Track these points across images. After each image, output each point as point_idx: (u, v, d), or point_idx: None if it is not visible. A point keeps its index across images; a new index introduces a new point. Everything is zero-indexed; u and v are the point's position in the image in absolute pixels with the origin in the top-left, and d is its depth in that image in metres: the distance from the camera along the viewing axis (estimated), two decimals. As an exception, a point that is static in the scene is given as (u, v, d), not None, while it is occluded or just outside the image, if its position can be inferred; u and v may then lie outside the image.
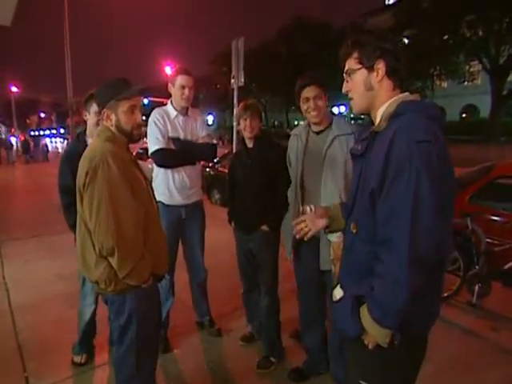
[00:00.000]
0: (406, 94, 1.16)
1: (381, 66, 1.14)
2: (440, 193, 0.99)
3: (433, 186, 0.97)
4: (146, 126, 2.45)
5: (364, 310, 1.10)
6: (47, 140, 34.66)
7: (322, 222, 1.42)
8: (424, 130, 1.02)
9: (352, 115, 34.05)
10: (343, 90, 1.24)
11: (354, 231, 1.18)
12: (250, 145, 2.31)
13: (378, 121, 1.16)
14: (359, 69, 1.17)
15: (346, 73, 1.22)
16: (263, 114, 2.38)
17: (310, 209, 1.46)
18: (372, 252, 1.09)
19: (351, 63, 1.19)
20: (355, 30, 1.24)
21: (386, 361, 1.14)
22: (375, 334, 1.08)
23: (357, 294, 1.13)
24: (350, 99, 1.24)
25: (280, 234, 2.32)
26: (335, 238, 1.67)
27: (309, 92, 1.91)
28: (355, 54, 1.18)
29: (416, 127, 1.03)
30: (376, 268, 1.06)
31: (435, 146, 1.00)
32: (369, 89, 1.17)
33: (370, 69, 1.16)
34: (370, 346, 1.12)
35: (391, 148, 1.02)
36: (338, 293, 1.23)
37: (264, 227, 2.25)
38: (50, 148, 24.80)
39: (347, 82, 1.23)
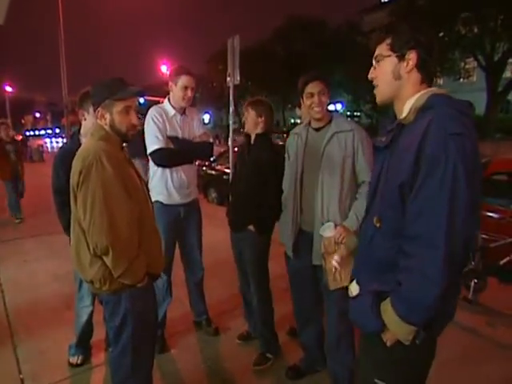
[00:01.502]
0: (435, 88, 1.13)
1: (412, 57, 1.11)
2: (474, 189, 0.96)
3: (468, 180, 0.95)
4: (142, 124, 2.44)
5: (385, 306, 1.08)
6: (47, 140, 34.35)
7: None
8: (458, 123, 0.99)
9: (348, 112, 34.17)
10: (369, 76, 1.20)
11: (378, 225, 1.14)
12: (252, 141, 2.31)
13: (405, 113, 1.12)
14: (389, 56, 1.14)
15: (374, 58, 1.18)
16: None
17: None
18: (395, 247, 1.06)
19: (382, 49, 1.15)
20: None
21: (405, 360, 1.12)
22: (397, 330, 1.06)
23: (377, 290, 1.11)
24: (375, 87, 1.20)
25: (270, 234, 2.32)
26: (327, 233, 1.67)
27: (313, 87, 1.91)
28: (388, 40, 1.14)
29: (450, 120, 1.00)
30: (403, 263, 1.03)
31: (469, 140, 0.97)
32: (396, 78, 1.13)
33: (401, 58, 1.12)
34: (389, 343, 1.10)
35: (424, 140, 0.99)
36: (354, 288, 1.21)
37: (250, 227, 2.25)
38: (50, 148, 24.63)
39: (374, 68, 1.19)
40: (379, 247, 1.14)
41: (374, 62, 1.19)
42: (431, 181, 0.97)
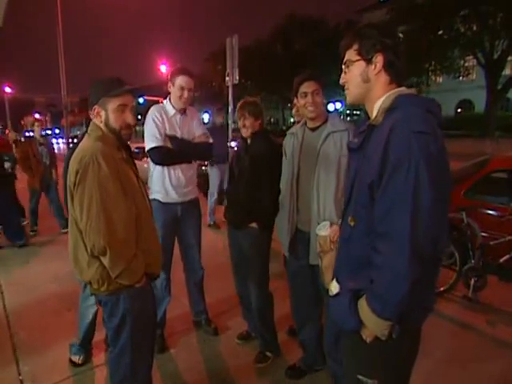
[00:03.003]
0: (403, 88, 1.16)
1: (379, 60, 1.15)
2: (438, 186, 0.99)
3: (431, 178, 0.97)
4: (142, 124, 2.44)
5: (362, 303, 1.10)
6: (54, 141, 34.48)
7: None
8: (422, 121, 1.02)
9: (348, 111, 34.16)
10: (340, 81, 1.25)
11: (352, 224, 1.17)
12: (249, 141, 2.32)
13: (374, 114, 1.16)
14: (358, 60, 1.18)
15: (344, 64, 1.22)
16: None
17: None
18: (369, 245, 1.09)
19: (350, 54, 1.20)
20: (358, 25, 1.24)
21: (384, 354, 1.14)
22: (373, 326, 1.08)
23: (354, 288, 1.13)
24: (346, 90, 1.24)
25: (271, 232, 2.31)
26: (322, 231, 1.68)
27: (307, 87, 1.92)
28: (355, 46, 1.18)
29: (414, 119, 1.03)
30: (374, 260, 1.06)
31: (433, 139, 1.00)
32: (365, 81, 1.18)
33: (369, 61, 1.16)
34: (368, 340, 1.12)
35: (389, 140, 1.02)
36: (334, 287, 1.23)
37: (253, 225, 2.25)
38: (57, 150, 24.92)
39: (345, 73, 1.23)
40: (354, 246, 1.17)
41: (343, 67, 1.23)
42: (395, 179, 1.01)
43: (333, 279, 1.26)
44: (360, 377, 1.17)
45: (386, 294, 1.03)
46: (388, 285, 1.02)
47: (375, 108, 1.17)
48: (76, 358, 2.37)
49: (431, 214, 0.98)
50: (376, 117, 1.14)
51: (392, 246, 1.01)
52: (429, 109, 1.08)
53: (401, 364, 1.18)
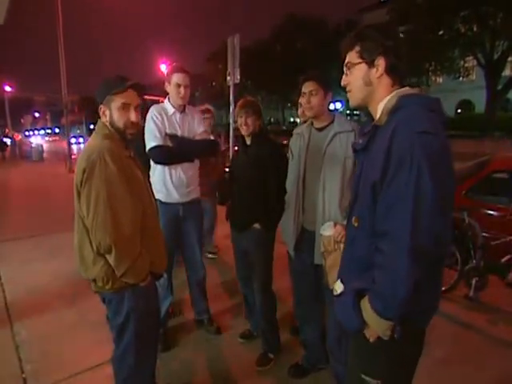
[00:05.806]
0: (406, 88, 1.15)
1: (381, 63, 1.13)
2: (441, 186, 0.98)
3: (433, 178, 0.97)
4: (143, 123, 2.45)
5: (365, 303, 1.10)
6: (73, 140, 34.55)
7: None
8: (425, 121, 1.02)
9: (348, 111, 34.18)
10: (342, 83, 1.23)
11: (356, 225, 1.17)
12: (248, 142, 2.32)
13: (378, 115, 1.16)
14: (359, 63, 1.17)
15: (345, 65, 1.21)
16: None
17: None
18: (372, 245, 1.09)
19: (352, 56, 1.19)
20: (360, 26, 1.23)
21: (388, 355, 1.14)
22: (376, 326, 1.08)
23: (358, 288, 1.13)
24: (348, 92, 1.23)
25: (275, 232, 2.31)
26: (326, 231, 1.69)
27: (306, 87, 1.95)
28: (357, 48, 1.17)
29: (416, 119, 1.03)
30: (376, 260, 1.06)
31: (436, 139, 1.00)
32: (367, 84, 1.17)
33: (370, 64, 1.15)
34: (371, 340, 1.12)
35: (392, 140, 1.02)
36: (338, 287, 1.23)
37: (256, 225, 2.25)
38: (76, 150, 25.24)
39: (346, 75, 1.22)
40: (358, 246, 1.17)
41: (345, 69, 1.22)
42: (397, 179, 1.00)
43: (338, 279, 1.26)
44: (364, 376, 1.18)
45: (387, 294, 1.02)
46: (389, 285, 1.02)
47: (379, 109, 1.16)
48: None
49: (433, 214, 0.97)
50: (380, 117, 1.14)
51: (393, 246, 1.01)
52: (432, 108, 1.07)
53: (404, 364, 1.18)
